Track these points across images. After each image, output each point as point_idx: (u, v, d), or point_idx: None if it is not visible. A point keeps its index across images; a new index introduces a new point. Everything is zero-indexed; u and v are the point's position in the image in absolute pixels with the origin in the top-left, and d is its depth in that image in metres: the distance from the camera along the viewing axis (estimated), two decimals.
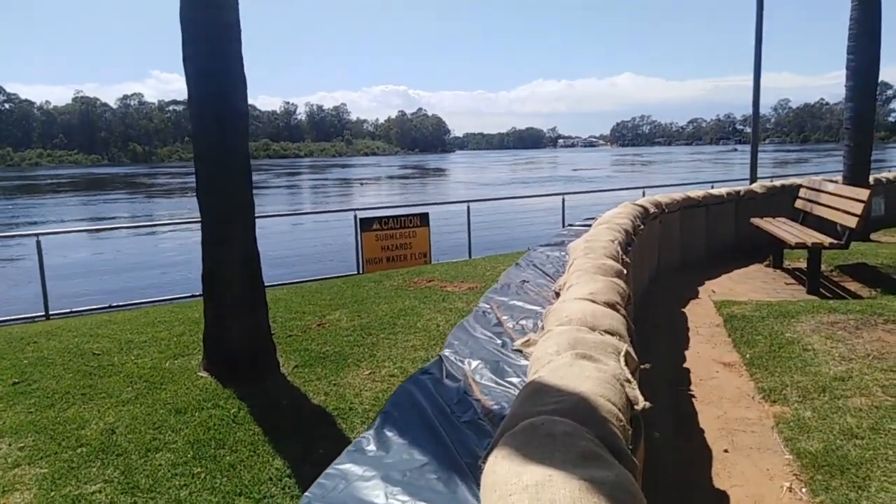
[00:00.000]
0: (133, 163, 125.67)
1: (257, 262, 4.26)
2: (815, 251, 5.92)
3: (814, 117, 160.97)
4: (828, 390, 3.32)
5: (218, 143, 4.03)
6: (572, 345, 1.93)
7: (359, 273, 10.04)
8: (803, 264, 7.21)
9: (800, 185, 8.03)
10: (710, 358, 4.18)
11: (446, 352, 2.31)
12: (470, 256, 11.09)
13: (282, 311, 5.69)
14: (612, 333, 2.13)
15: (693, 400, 3.55)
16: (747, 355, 4.08)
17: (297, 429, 3.38)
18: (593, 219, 6.35)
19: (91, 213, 30.37)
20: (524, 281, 3.57)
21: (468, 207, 11.21)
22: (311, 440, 3.25)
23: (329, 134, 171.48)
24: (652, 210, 6.29)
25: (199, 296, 4.53)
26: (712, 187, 14.51)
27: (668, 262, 7.07)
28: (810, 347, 3.98)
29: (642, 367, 2.21)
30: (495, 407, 1.81)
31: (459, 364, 2.18)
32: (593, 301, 2.51)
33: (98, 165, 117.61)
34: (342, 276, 9.23)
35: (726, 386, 3.69)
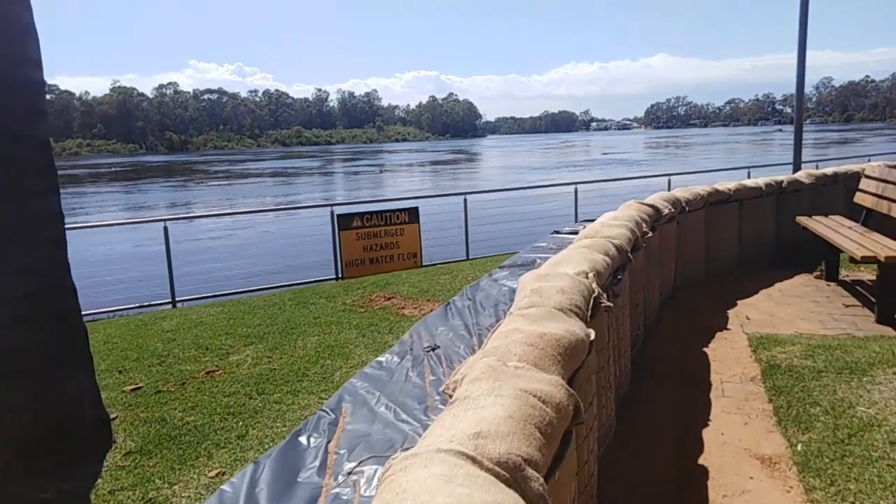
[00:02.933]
0: (169, 151, 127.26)
1: (70, 299, 3.00)
2: (890, 268, 4.40)
3: (858, 95, 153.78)
4: None
5: None
6: None
7: (337, 278, 8.82)
8: (867, 275, 5.67)
9: (860, 174, 6.43)
10: (739, 445, 2.79)
11: None
12: (468, 256, 9.75)
13: (185, 344, 4.47)
14: None
15: None
16: (799, 445, 2.68)
17: None
18: (588, 222, 4.97)
19: (186, 199, 29.79)
20: (431, 348, 2.24)
21: (465, 200, 9.84)
22: None
23: (360, 121, 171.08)
24: (666, 210, 4.84)
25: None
26: (749, 175, 12.84)
27: (688, 273, 5.61)
28: None
29: None
30: None
31: None
32: (473, 461, 1.17)
33: (136, 154, 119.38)
34: (310, 284, 8.02)
35: None
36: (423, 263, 9.52)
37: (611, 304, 2.56)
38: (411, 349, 2.25)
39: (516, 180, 33.09)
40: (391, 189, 32.73)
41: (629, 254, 3.44)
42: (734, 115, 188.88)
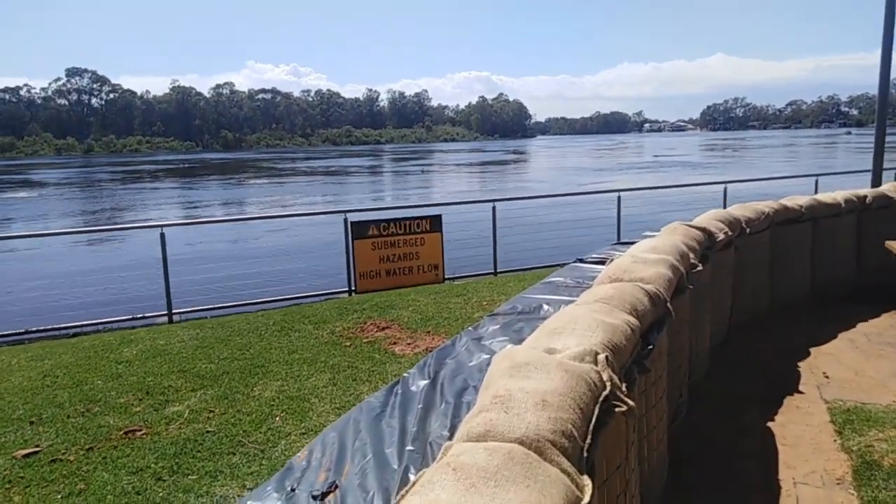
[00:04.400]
0: (224, 149, 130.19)
1: None
2: None
3: None
4: None
5: None
6: None
7: (350, 291, 8.07)
8: None
9: None
10: None
11: None
12: (495, 270, 8.85)
13: (128, 384, 3.76)
14: None
15: None
16: None
17: None
18: (626, 245, 4.06)
19: (238, 197, 30.02)
20: (321, 494, 1.39)
21: (493, 208, 8.94)
22: None
23: (410, 120, 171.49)
24: (720, 235, 3.86)
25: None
26: (817, 184, 11.45)
27: (747, 308, 4.59)
28: None
29: None
30: None
31: None
32: None
33: (192, 152, 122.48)
34: (318, 298, 7.31)
35: None
36: (446, 276, 8.68)
37: (632, 405, 1.66)
38: (295, 487, 1.40)
39: (569, 182, 31.82)
40: (436, 190, 31.97)
41: (668, 303, 2.51)
42: (796, 117, 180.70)
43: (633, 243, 4.31)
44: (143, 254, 10.72)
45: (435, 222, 8.63)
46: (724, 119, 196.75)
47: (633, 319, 2.06)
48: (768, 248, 4.79)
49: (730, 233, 4.06)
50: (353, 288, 8.21)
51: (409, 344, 4.29)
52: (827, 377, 3.55)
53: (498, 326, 2.47)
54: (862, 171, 13.22)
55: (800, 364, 3.77)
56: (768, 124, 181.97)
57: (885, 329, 4.40)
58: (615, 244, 4.47)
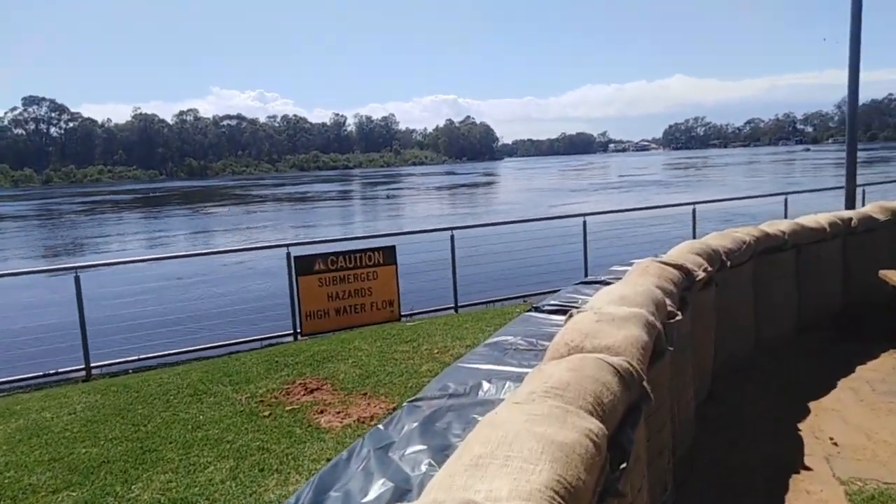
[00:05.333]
0: (189, 177, 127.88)
1: None
2: None
3: (881, 114, 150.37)
4: None
5: None
6: None
7: (295, 335, 7.32)
8: None
9: None
10: None
11: None
12: (455, 305, 8.20)
13: None
14: None
15: None
16: None
17: None
18: (590, 286, 3.47)
19: (201, 226, 28.71)
20: None
21: (452, 237, 8.31)
22: None
23: (378, 145, 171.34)
24: (700, 273, 3.27)
25: None
26: (786, 203, 11.09)
27: (731, 350, 4.01)
28: None
29: None
30: None
31: None
32: None
33: (156, 181, 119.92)
34: (258, 344, 6.57)
35: None
36: (403, 313, 8.00)
37: None
38: None
39: (543, 203, 31.41)
40: (406, 215, 31.27)
41: (645, 381, 1.87)
42: (754, 135, 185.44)
43: (599, 282, 3.71)
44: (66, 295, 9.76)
45: (388, 254, 7.96)
46: (686, 138, 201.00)
47: (595, 427, 1.41)
48: (750, 282, 4.24)
49: (710, 268, 3.48)
50: (299, 330, 7.47)
51: (338, 413, 3.58)
52: (835, 444, 2.95)
53: (416, 425, 1.80)
54: (830, 189, 12.99)
55: (800, 425, 3.18)
56: (728, 143, 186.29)
57: (889, 373, 3.85)
58: (579, 282, 3.85)
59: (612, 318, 2.19)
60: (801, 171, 50.58)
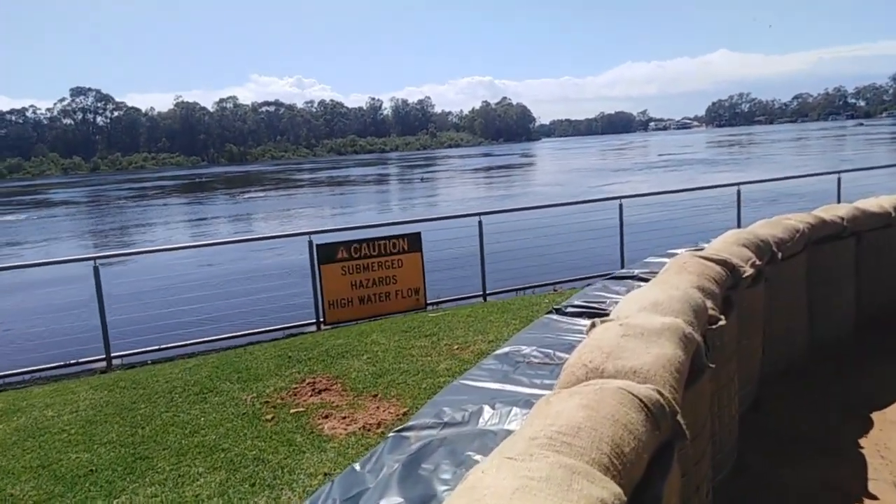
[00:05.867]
0: (229, 163, 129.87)
1: None
2: None
3: None
4: None
5: None
6: None
7: (318, 324, 7.12)
8: None
9: None
10: None
11: None
12: (484, 295, 7.87)
13: None
14: None
15: None
16: None
17: None
18: (616, 283, 3.12)
19: (238, 212, 29.23)
20: None
21: (480, 223, 7.96)
22: None
23: (414, 128, 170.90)
24: (747, 269, 2.86)
25: None
26: (839, 182, 10.32)
27: (782, 352, 3.59)
28: None
29: None
30: None
31: None
32: None
33: (198, 167, 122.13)
34: (281, 334, 6.40)
35: None
36: (429, 301, 7.72)
37: None
38: None
39: (586, 184, 30.63)
40: (443, 198, 30.88)
41: (678, 416, 1.52)
42: (802, 111, 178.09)
43: (631, 277, 3.34)
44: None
45: (413, 241, 7.67)
46: (730, 115, 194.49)
47: (610, 496, 1.08)
48: (804, 276, 3.78)
49: (758, 262, 3.07)
50: (322, 319, 7.27)
51: (344, 418, 3.31)
52: None
53: (398, 466, 1.49)
54: (888, 167, 12.09)
55: (862, 442, 2.77)
56: (774, 119, 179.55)
57: None
58: (608, 277, 3.49)
59: (641, 331, 1.83)
60: (853, 147, 48.18)
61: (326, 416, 3.36)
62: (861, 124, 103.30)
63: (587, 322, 2.63)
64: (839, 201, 10.42)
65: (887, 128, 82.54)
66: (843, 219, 4.05)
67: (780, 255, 3.42)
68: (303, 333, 6.77)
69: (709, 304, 2.43)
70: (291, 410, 3.52)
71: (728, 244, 3.10)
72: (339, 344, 4.88)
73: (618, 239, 8.59)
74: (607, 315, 2.69)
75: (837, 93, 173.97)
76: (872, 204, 4.35)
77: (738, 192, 9.37)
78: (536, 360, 2.18)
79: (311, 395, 3.71)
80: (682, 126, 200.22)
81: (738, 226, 9.43)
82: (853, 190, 10.65)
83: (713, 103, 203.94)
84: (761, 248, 3.25)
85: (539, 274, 8.75)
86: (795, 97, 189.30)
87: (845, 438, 2.83)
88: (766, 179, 11.70)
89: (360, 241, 7.47)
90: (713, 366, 2.03)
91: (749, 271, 2.85)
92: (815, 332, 3.85)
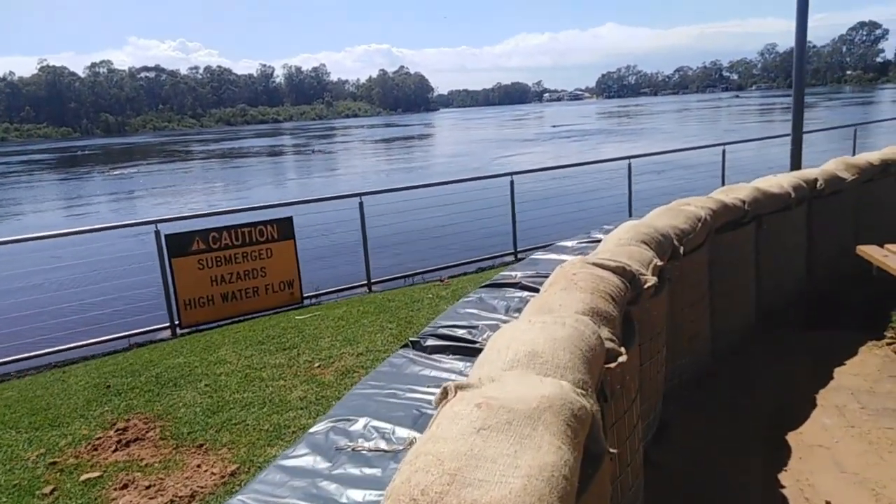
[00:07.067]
0: (106, 134, 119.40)
1: None
2: None
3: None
4: None
5: None
6: None
7: (173, 329, 6.13)
8: None
9: None
10: None
11: None
12: (369, 288, 7.15)
13: None
14: None
15: None
16: None
17: None
18: (502, 288, 2.52)
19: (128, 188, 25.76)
20: None
21: (361, 203, 7.18)
22: None
23: (309, 97, 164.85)
24: (649, 278, 2.31)
25: None
26: (724, 155, 10.39)
27: (684, 356, 3.14)
28: None
29: None
30: None
31: None
32: None
33: (69, 139, 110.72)
34: (126, 343, 5.38)
35: None
36: (306, 294, 6.90)
37: None
38: None
39: (493, 155, 30.15)
40: (357, 170, 29.30)
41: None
42: (683, 83, 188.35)
43: (512, 285, 2.73)
44: None
45: (284, 227, 6.78)
46: (618, 87, 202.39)
47: None
48: (706, 269, 3.35)
49: (660, 263, 2.54)
50: (178, 322, 6.26)
51: (148, 488, 2.50)
52: None
53: None
54: (774, 137, 12.34)
55: (782, 478, 2.32)
56: (658, 91, 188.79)
57: (875, 379, 3.06)
58: (487, 285, 2.87)
59: (508, 418, 1.18)
60: (732, 118, 51.13)
61: (125, 486, 2.54)
62: (737, 96, 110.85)
63: (449, 361, 1.98)
64: (723, 172, 10.57)
65: (756, 99, 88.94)
66: (744, 202, 3.65)
67: (682, 249, 2.93)
68: (152, 342, 5.78)
69: (605, 334, 1.84)
70: (82, 476, 2.66)
71: (624, 244, 2.54)
72: (175, 365, 3.99)
73: (509, 218, 8.09)
74: (476, 347, 2.05)
75: (714, 66, 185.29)
76: (773, 184, 4.00)
77: (629, 167, 9.15)
78: (367, 445, 1.48)
79: (116, 450, 2.85)
80: (575, 97, 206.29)
81: (630, 201, 9.26)
82: (735, 161, 10.82)
83: (603, 75, 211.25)
84: (662, 245, 2.74)
85: (431, 258, 8.13)
86: (677, 70, 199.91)
87: (765, 472, 2.38)
88: (656, 153, 11.65)
89: (219, 229, 6.47)
90: (614, 451, 1.42)
91: (652, 280, 2.29)
92: (715, 332, 3.44)
